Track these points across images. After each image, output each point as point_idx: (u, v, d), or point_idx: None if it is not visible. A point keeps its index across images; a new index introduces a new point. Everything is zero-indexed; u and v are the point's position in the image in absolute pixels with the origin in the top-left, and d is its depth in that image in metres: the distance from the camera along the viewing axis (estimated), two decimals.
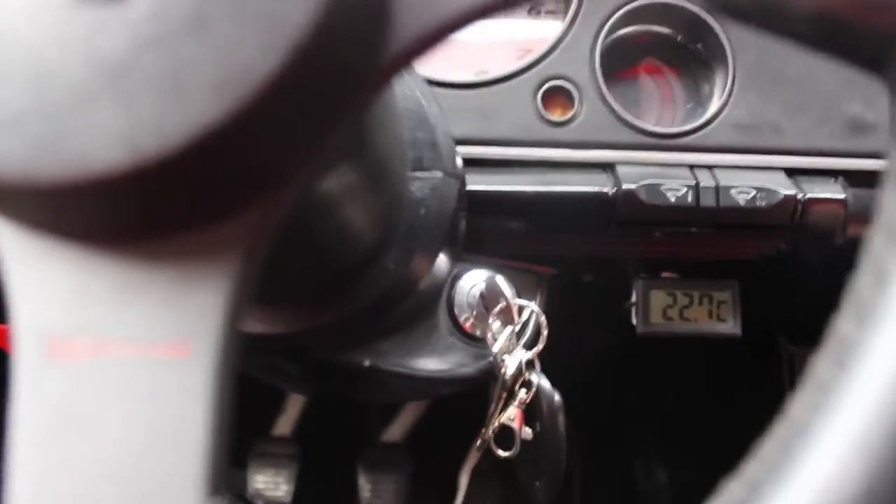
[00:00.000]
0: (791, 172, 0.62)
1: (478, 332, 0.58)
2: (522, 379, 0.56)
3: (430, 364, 0.55)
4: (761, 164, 0.61)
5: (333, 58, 0.22)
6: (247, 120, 0.21)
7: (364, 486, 0.94)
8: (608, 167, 0.60)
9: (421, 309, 0.56)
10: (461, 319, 0.58)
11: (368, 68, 0.24)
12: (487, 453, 0.61)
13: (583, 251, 0.63)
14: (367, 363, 0.49)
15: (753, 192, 0.59)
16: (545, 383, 0.57)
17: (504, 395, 0.57)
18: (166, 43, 0.21)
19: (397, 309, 0.49)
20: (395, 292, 0.46)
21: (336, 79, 0.23)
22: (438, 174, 0.46)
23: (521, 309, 0.58)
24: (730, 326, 0.65)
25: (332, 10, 0.21)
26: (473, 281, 0.59)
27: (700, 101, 0.64)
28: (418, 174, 0.46)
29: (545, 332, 0.58)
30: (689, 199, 0.58)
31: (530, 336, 0.58)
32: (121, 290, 0.23)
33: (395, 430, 0.91)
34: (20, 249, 0.23)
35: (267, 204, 0.24)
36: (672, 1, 0.62)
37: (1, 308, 0.24)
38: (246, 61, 0.21)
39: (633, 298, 0.66)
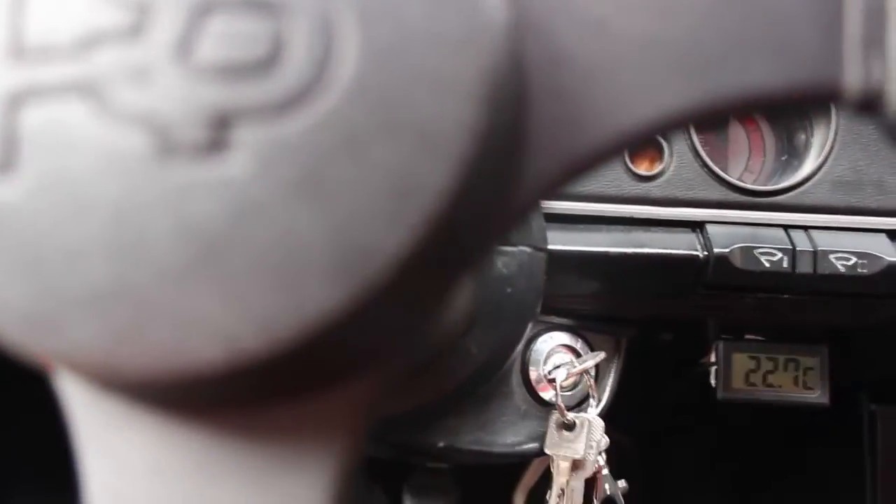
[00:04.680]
0: (894, 235, 0.57)
1: (549, 398, 0.55)
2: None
3: (506, 437, 0.51)
4: (862, 226, 0.57)
5: (464, 223, 0.19)
6: (366, 305, 0.18)
7: None
8: (697, 226, 0.56)
9: (495, 376, 0.52)
10: (535, 384, 0.55)
11: (497, 222, 0.21)
12: (545, 475, 0.58)
13: (664, 312, 0.60)
14: (441, 444, 0.46)
15: (854, 259, 0.55)
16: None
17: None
18: (272, 211, 0.17)
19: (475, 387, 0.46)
20: (476, 376, 0.43)
21: (464, 244, 0.20)
22: (526, 249, 0.43)
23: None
24: (817, 395, 0.61)
25: (468, 171, 0.18)
26: (549, 344, 0.55)
27: (795, 153, 0.60)
28: (505, 248, 0.42)
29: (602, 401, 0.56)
30: (785, 264, 0.54)
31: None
32: (205, 468, 0.20)
33: None
34: (92, 415, 0.20)
35: (378, 372, 0.21)
36: None
37: None
38: (369, 238, 0.17)
39: (712, 359, 0.62)
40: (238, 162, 0.17)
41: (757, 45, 0.21)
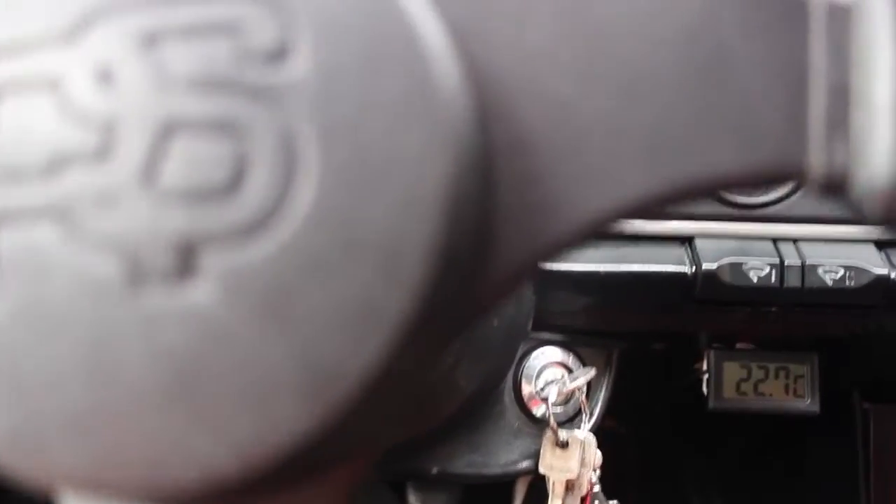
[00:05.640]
0: (882, 245, 0.57)
1: (541, 414, 0.55)
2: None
3: (500, 457, 0.52)
4: (851, 237, 0.57)
5: (432, 329, 0.19)
6: (337, 424, 0.18)
7: None
8: (686, 240, 0.56)
9: (488, 394, 0.53)
10: (527, 401, 0.55)
11: (465, 318, 0.21)
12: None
13: (655, 326, 0.60)
14: (435, 470, 0.47)
15: (842, 272, 0.55)
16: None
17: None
18: (240, 338, 0.17)
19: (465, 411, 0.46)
20: (467, 406, 0.43)
21: (434, 345, 0.20)
22: None
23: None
24: (807, 404, 0.61)
25: (431, 290, 0.18)
26: (541, 360, 0.56)
27: None
28: None
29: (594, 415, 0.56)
30: (773, 279, 0.55)
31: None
32: None
33: None
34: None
35: (358, 460, 0.21)
36: None
37: None
38: (336, 361, 0.18)
39: (705, 367, 0.63)
40: (205, 289, 0.17)
41: (721, 128, 0.21)
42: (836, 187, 0.21)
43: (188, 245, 0.17)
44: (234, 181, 0.17)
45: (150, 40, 0.18)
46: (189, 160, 0.18)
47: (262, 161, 0.17)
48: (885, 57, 0.20)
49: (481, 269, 0.21)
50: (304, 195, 0.17)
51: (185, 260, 0.17)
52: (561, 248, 0.22)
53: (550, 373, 0.56)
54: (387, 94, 0.18)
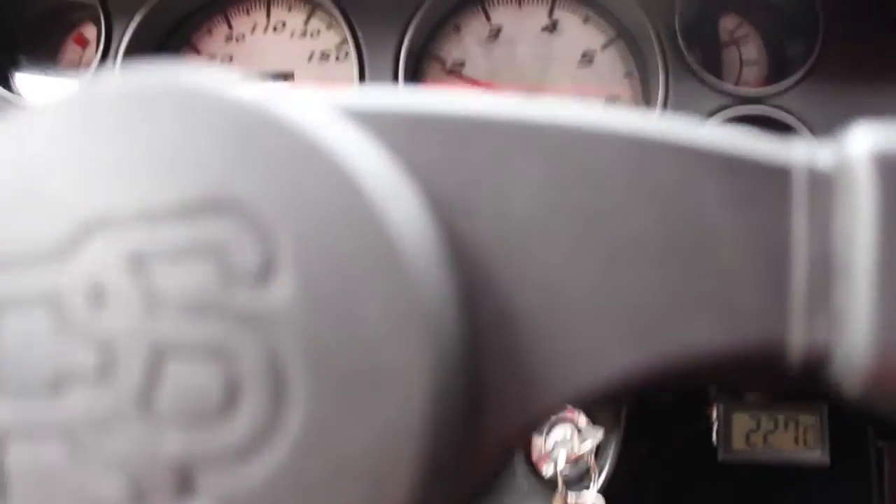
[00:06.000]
0: None
1: (550, 474, 0.56)
2: None
3: None
4: None
5: None
6: None
7: None
8: None
9: None
10: (537, 461, 0.56)
11: (457, 500, 0.22)
12: None
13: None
14: None
15: None
16: None
17: None
18: None
19: None
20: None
21: None
22: None
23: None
24: (817, 455, 0.62)
25: (420, 500, 0.19)
26: (551, 419, 0.57)
27: None
28: None
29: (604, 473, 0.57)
30: None
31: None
32: None
33: None
34: None
35: None
36: None
37: None
38: None
39: (714, 417, 0.63)
40: None
41: (701, 305, 0.21)
42: (815, 364, 0.21)
43: (185, 468, 0.18)
44: (226, 406, 0.18)
45: (139, 261, 0.19)
46: (182, 385, 0.18)
47: (251, 385, 0.18)
48: (868, 227, 0.19)
49: (470, 452, 0.21)
50: (293, 419, 0.18)
51: (184, 481, 0.18)
52: (544, 419, 0.22)
53: (560, 431, 0.57)
54: (368, 315, 0.18)
